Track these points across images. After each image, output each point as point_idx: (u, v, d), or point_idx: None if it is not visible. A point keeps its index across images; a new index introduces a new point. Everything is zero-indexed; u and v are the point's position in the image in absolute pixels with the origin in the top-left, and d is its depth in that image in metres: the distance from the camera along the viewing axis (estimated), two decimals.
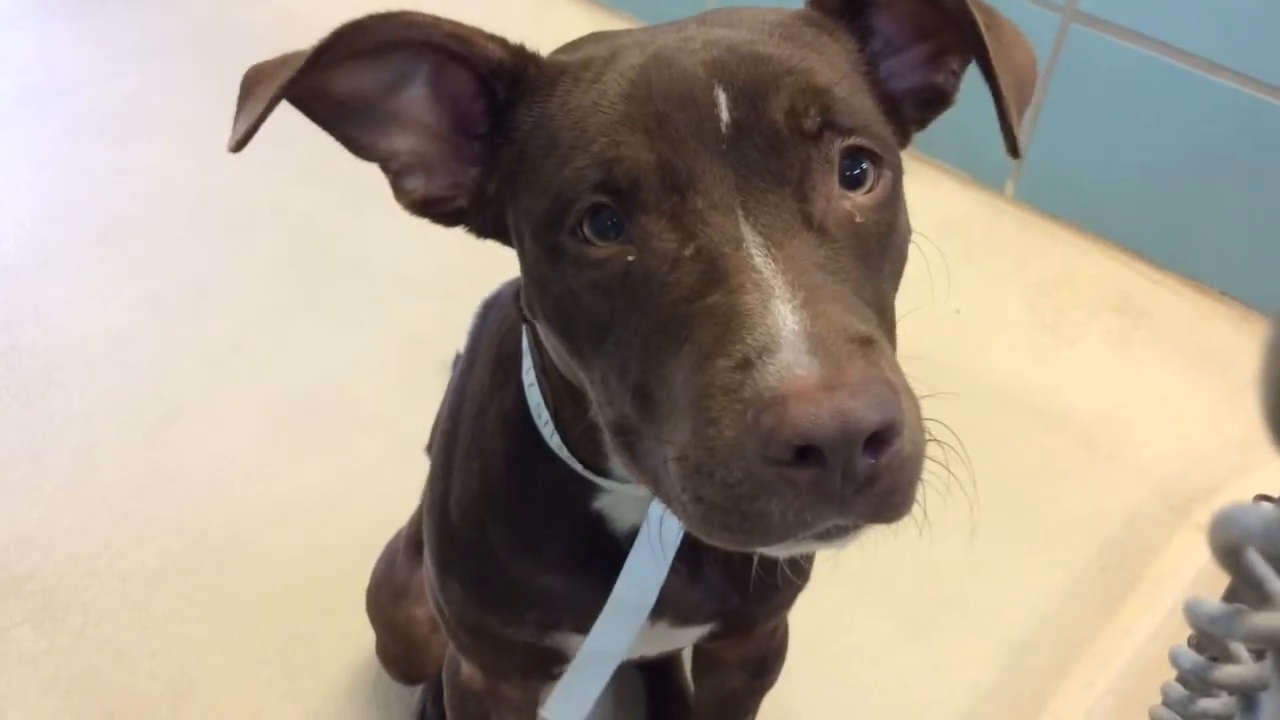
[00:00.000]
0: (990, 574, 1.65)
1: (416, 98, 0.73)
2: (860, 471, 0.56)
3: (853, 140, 0.67)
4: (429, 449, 1.37)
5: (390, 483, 1.55)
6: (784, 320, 0.58)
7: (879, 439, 0.56)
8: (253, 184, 2.25)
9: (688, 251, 0.63)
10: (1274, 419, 0.31)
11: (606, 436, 0.71)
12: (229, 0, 2.84)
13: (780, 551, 0.63)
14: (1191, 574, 1.62)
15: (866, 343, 0.59)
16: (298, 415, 1.83)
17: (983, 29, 0.70)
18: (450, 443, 0.96)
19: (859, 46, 0.74)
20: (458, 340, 1.18)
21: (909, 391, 0.61)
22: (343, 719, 1.46)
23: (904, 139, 0.79)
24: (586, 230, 0.66)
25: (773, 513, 0.57)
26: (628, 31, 0.74)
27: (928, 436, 0.63)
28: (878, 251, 0.68)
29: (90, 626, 1.53)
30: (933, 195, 2.24)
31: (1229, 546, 0.46)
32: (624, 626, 0.90)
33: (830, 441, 0.54)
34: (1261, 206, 1.94)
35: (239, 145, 0.68)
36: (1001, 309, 2.08)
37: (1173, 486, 1.78)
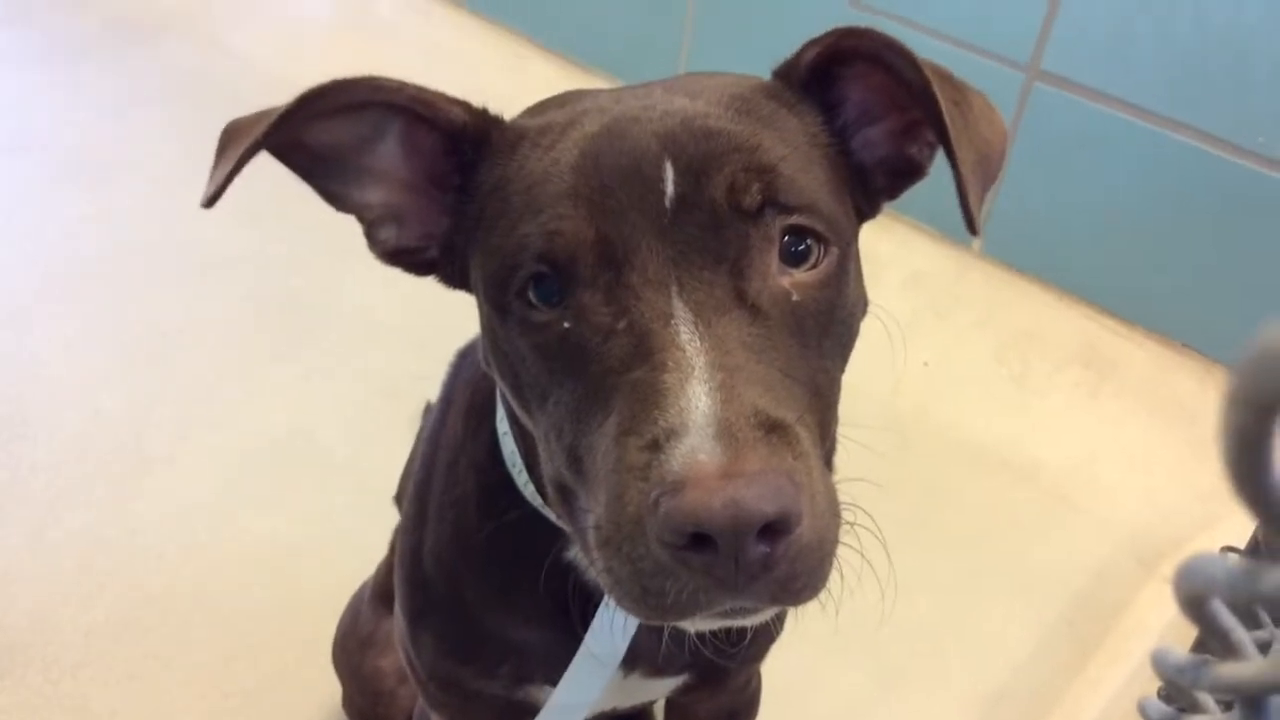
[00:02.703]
0: (961, 627, 1.65)
1: (389, 153, 0.75)
2: (753, 560, 0.57)
3: (795, 219, 0.67)
4: (397, 499, 1.36)
5: (357, 533, 1.53)
6: (696, 403, 0.59)
7: (774, 529, 0.57)
8: (224, 233, 2.24)
9: (620, 325, 0.64)
10: (1235, 471, 0.32)
11: (549, 490, 0.73)
12: (203, 52, 2.85)
13: (687, 626, 0.65)
14: (1160, 626, 1.63)
15: (777, 428, 0.60)
16: (266, 465, 1.82)
17: (944, 105, 0.70)
18: (423, 492, 0.96)
19: (824, 120, 0.75)
20: (427, 391, 1.18)
21: (820, 479, 0.62)
22: None
23: (873, 209, 0.79)
24: (531, 294, 0.67)
25: (669, 592, 0.59)
26: (595, 94, 0.75)
27: (844, 522, 0.64)
28: (816, 329, 0.69)
29: (50, 684, 1.50)
30: (902, 250, 2.27)
31: (1194, 597, 0.46)
32: (592, 679, 0.89)
33: (720, 530, 0.56)
34: (1222, 261, 1.97)
35: (211, 200, 0.70)
36: (970, 362, 2.10)
37: (1141, 538, 1.80)
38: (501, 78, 2.58)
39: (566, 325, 0.66)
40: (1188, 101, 1.91)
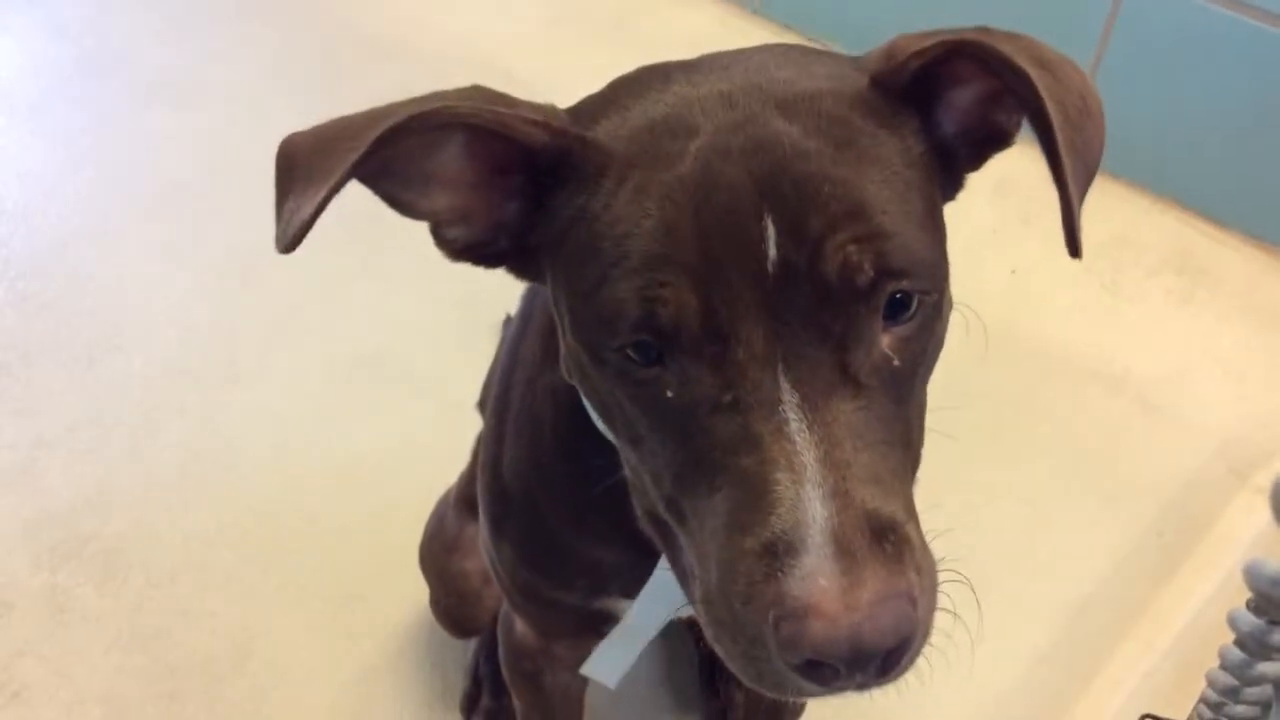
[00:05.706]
0: (1047, 536, 1.64)
1: (454, 158, 0.71)
2: (870, 674, 0.59)
3: (904, 284, 0.64)
4: (480, 405, 1.38)
5: (442, 443, 1.55)
6: (812, 512, 0.59)
7: (893, 651, 0.59)
8: None
9: (726, 399, 0.62)
10: None
11: (638, 510, 0.74)
12: None
13: None
14: (1251, 536, 1.60)
15: (890, 531, 0.60)
16: (352, 377, 1.85)
17: (1047, 101, 0.64)
18: (502, 406, 0.97)
19: (919, 123, 0.69)
20: (506, 303, 1.18)
21: (926, 570, 0.62)
22: (398, 677, 1.48)
23: (955, 188, 0.75)
24: (630, 353, 0.64)
25: (787, 686, 0.61)
26: (673, 87, 0.69)
27: (943, 579, 0.65)
28: (909, 383, 0.67)
29: (152, 586, 1.56)
30: None
31: None
32: (665, 603, 0.90)
33: (844, 662, 0.57)
34: None
35: (291, 246, 0.67)
36: (1059, 269, 2.05)
37: (1233, 448, 1.76)
38: None
39: (670, 394, 0.64)
40: None
